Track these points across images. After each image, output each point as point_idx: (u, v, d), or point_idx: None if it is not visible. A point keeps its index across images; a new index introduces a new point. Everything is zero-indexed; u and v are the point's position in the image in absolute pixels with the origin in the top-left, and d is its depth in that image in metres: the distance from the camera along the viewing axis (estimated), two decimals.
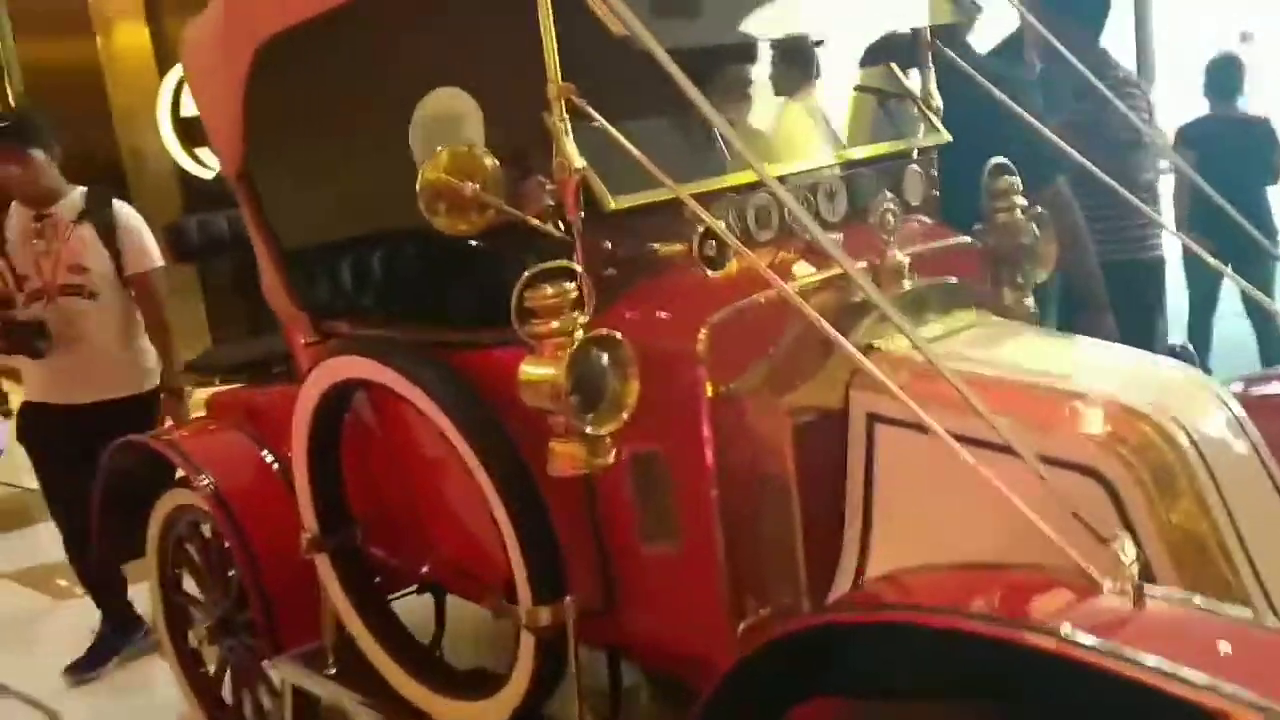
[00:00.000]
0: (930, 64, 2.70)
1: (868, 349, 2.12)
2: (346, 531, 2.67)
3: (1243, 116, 5.66)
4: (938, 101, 2.72)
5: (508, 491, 2.19)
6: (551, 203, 2.12)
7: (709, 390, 2.03)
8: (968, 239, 2.58)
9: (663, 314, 2.11)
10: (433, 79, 2.60)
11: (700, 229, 2.02)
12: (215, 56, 2.68)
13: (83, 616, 4.27)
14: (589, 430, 1.93)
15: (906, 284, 2.25)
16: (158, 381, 4.00)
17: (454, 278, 2.45)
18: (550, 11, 1.96)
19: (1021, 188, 2.67)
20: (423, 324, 2.45)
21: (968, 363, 2.06)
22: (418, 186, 2.02)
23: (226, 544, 3.04)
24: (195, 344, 4.25)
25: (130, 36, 8.35)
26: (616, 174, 2.09)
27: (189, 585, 3.47)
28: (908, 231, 2.52)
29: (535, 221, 2.02)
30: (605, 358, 1.96)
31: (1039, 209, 2.69)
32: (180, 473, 3.16)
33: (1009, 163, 2.65)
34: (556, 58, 1.98)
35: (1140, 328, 3.77)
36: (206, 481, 3.05)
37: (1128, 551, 1.44)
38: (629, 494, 2.14)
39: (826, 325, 1.83)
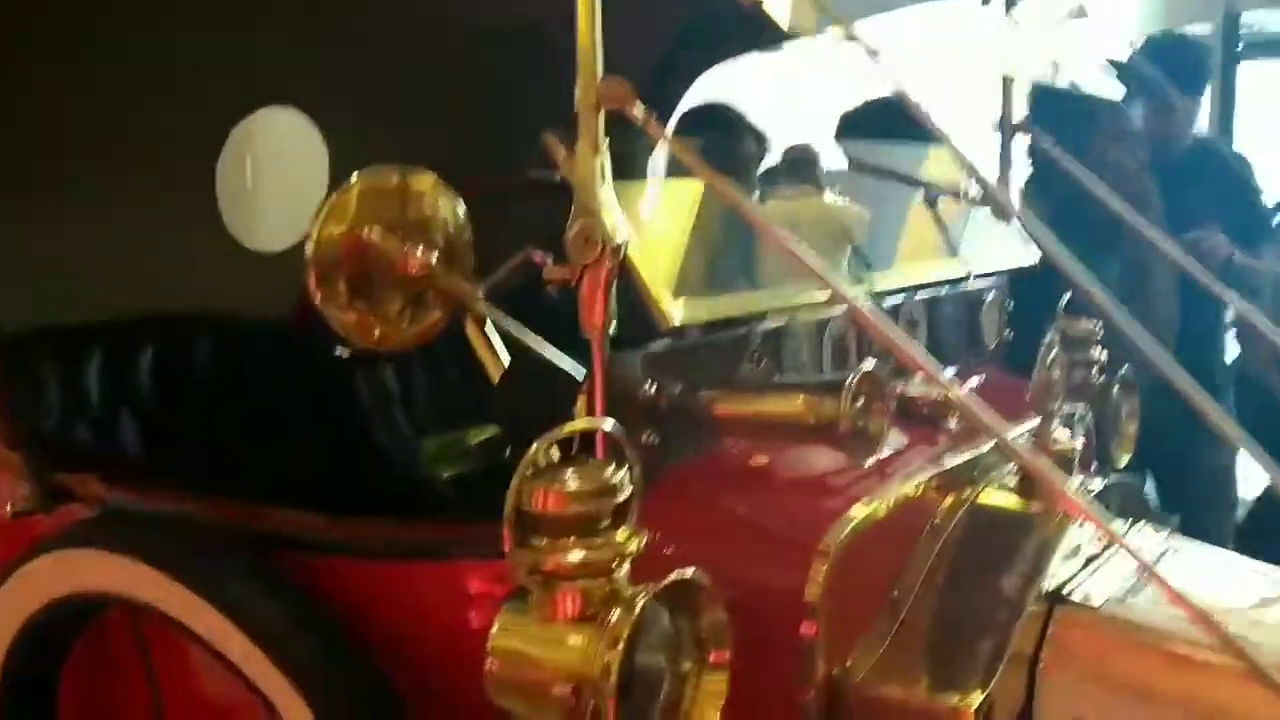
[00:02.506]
0: (1010, 155, 1.93)
1: (1057, 598, 1.25)
2: None
3: None
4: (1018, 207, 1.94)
5: None
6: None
7: (819, 670, 1.09)
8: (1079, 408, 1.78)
9: (733, 523, 1.17)
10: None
11: (857, 377, 1.08)
12: None
13: None
14: None
15: (1078, 481, 1.41)
16: None
17: (321, 418, 1.41)
18: None
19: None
20: (250, 498, 1.36)
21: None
22: (308, 251, 1.00)
23: None
24: None
25: None
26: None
27: None
28: (1001, 391, 1.73)
29: (549, 352, 1.05)
30: (672, 625, 0.98)
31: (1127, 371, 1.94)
32: None
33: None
34: (597, 34, 1.03)
35: None
36: None
37: None
38: None
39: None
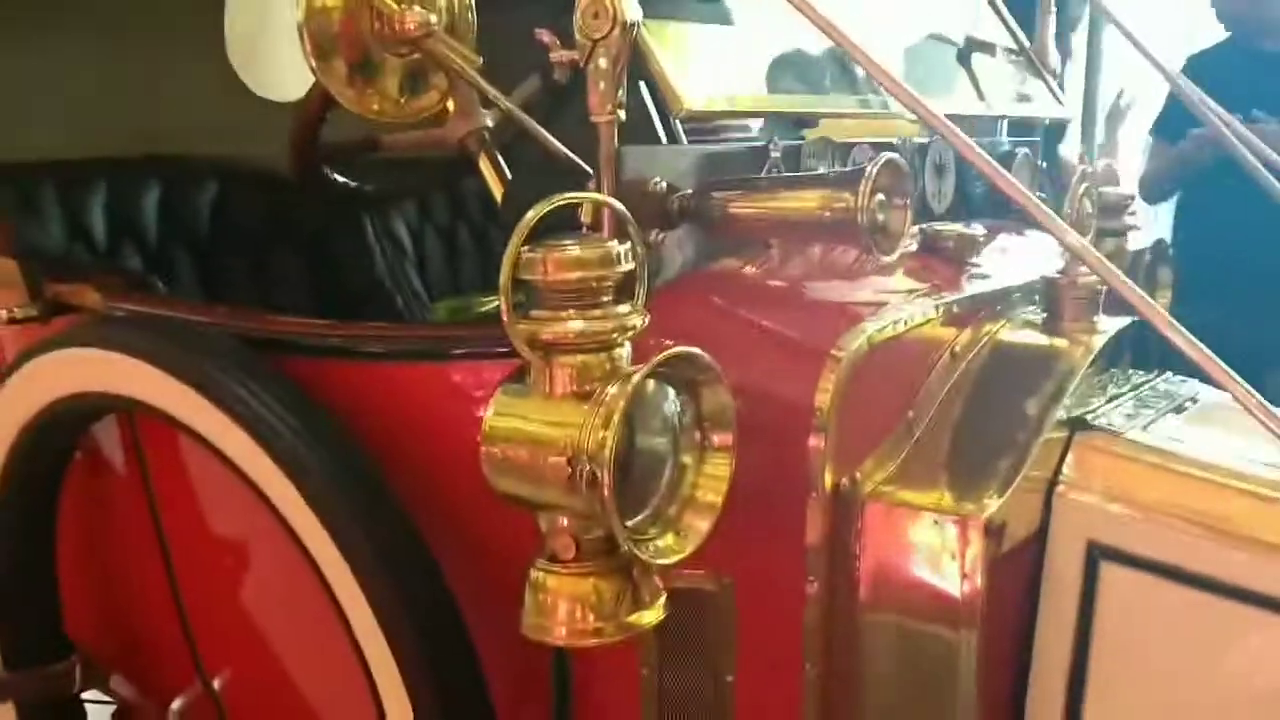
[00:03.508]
0: (1052, 7, 1.85)
1: (1078, 425, 1.21)
2: (56, 667, 1.48)
3: None
4: (1056, 61, 1.87)
5: (407, 632, 1.13)
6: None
7: (827, 481, 1.07)
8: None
9: (745, 327, 1.12)
10: None
11: (876, 164, 1.02)
12: None
13: None
14: (642, 555, 0.90)
15: (1101, 322, 1.35)
16: None
17: (322, 218, 1.37)
18: None
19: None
20: (249, 303, 1.33)
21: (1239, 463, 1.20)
22: (299, 16, 0.96)
23: None
24: None
25: None
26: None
27: None
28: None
29: (554, 143, 1.00)
30: (681, 407, 0.94)
31: (1162, 241, 1.87)
32: None
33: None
34: None
35: None
36: None
37: None
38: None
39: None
